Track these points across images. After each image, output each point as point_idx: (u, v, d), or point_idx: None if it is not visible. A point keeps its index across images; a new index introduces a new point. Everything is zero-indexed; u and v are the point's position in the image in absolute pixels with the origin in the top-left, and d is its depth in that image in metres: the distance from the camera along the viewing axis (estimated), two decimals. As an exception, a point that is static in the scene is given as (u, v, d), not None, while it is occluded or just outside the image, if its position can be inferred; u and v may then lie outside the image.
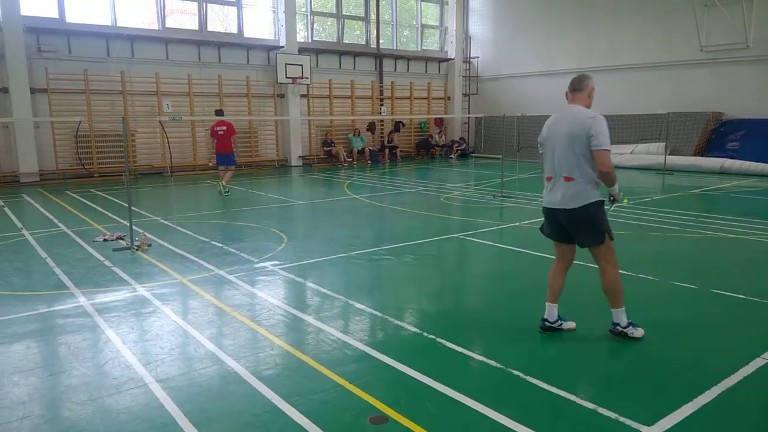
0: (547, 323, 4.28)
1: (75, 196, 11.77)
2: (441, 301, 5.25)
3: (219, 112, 12.24)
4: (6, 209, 10.14)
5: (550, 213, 4.21)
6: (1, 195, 11.96)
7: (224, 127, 11.66)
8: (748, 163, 14.40)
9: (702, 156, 15.74)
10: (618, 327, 4.12)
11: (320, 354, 3.95)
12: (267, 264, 6.28)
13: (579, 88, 4.13)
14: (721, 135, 15.83)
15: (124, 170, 7.45)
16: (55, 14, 14.26)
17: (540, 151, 4.29)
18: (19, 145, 13.76)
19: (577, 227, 4.03)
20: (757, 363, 3.70)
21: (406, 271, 6.17)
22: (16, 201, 11.21)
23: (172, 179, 15.00)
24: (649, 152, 16.49)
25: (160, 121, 13.87)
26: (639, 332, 4.10)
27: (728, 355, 3.85)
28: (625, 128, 17.31)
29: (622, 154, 16.85)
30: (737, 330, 4.38)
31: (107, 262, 6.41)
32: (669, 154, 15.43)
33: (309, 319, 4.63)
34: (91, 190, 12.65)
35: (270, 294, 5.28)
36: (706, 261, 6.53)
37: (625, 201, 10.42)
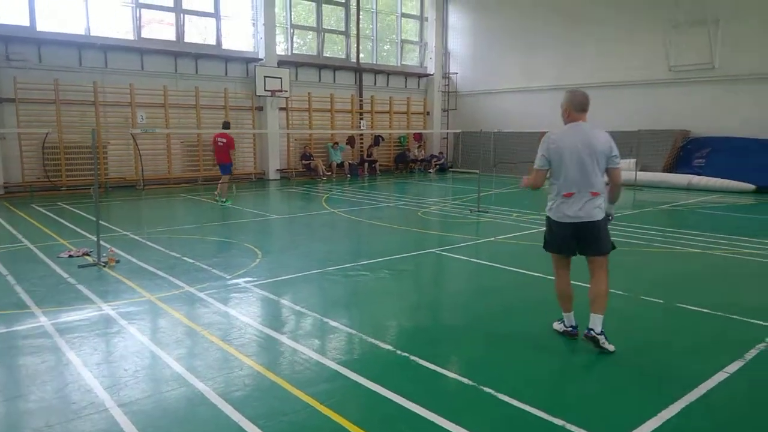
0: (574, 329, 4.42)
1: (41, 209, 11.40)
2: (415, 317, 5.16)
3: (226, 125, 12.86)
4: (-32, 222, 9.77)
5: (569, 227, 4.21)
6: (-36, 207, 11.53)
7: (224, 140, 12.20)
8: (714, 179, 14.86)
9: (671, 172, 16.19)
10: (592, 332, 4.19)
11: (291, 374, 3.82)
12: (240, 281, 6.11)
13: (587, 108, 4.24)
14: (688, 152, 16.35)
15: (93, 183, 7.20)
16: (26, 22, 13.92)
17: (545, 167, 4.24)
18: (-17, 157, 13.33)
19: (597, 237, 4.20)
20: (719, 377, 3.77)
21: (382, 287, 6.08)
22: (-20, 214, 10.82)
23: (144, 192, 14.69)
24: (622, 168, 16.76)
25: (131, 134, 13.60)
26: (610, 346, 4.17)
27: (692, 370, 3.90)
28: (599, 145, 17.62)
29: (597, 170, 17.15)
30: (701, 344, 4.47)
31: (71, 280, 6.16)
32: (640, 170, 15.79)
33: (281, 337, 4.49)
34: (59, 203, 12.27)
35: (242, 312, 5.12)
36: (672, 275, 6.62)
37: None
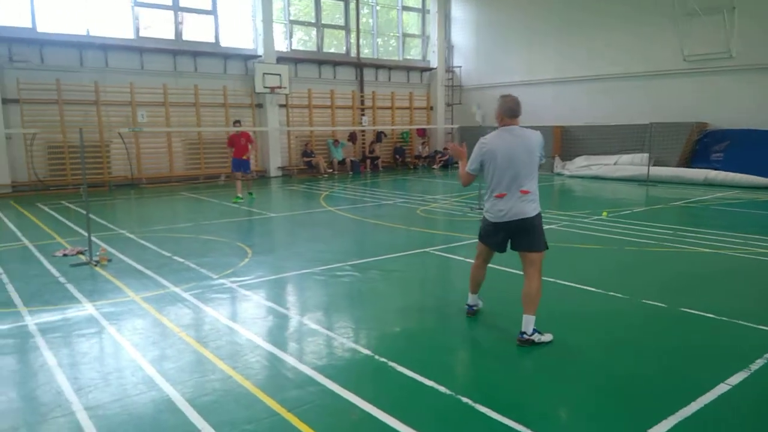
0: (473, 308, 4.90)
1: (45, 208, 11.51)
2: (398, 321, 5.07)
3: (237, 123, 12.96)
4: (-32, 222, 9.89)
5: (502, 227, 4.38)
6: (-33, 207, 11.68)
7: (244, 138, 12.51)
8: (732, 174, 14.25)
9: (686, 167, 15.64)
10: (525, 335, 4.22)
11: (262, 379, 3.80)
12: (225, 281, 6.11)
13: (519, 113, 4.42)
14: (704, 146, 15.74)
15: (82, 183, 7.24)
16: (27, 24, 14.03)
17: (476, 171, 4.48)
18: (-11, 157, 13.48)
19: (533, 233, 4.33)
20: (719, 389, 3.54)
21: (369, 289, 6.03)
22: (-18, 213, 10.95)
23: (145, 190, 14.77)
24: (633, 163, 16.38)
25: (119, 133, 13.68)
26: (547, 337, 4.24)
27: (690, 381, 3.69)
28: (608, 139, 17.27)
29: (606, 165, 16.85)
30: (702, 353, 4.21)
31: (62, 279, 6.20)
32: (653, 165, 15.35)
33: (257, 340, 4.48)
34: (63, 202, 12.39)
35: (222, 313, 5.12)
36: (678, 277, 6.36)
37: (604, 214, 10.38)
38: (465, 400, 3.45)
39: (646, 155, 15.82)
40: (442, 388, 3.60)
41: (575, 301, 5.39)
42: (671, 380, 3.73)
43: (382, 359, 4.08)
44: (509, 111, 4.35)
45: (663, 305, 5.18)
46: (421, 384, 3.69)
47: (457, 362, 4.28)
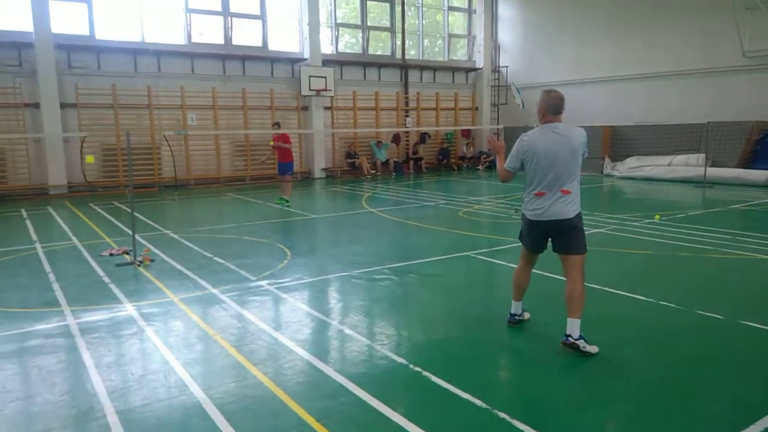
0: (516, 317, 4.65)
1: (97, 209, 11.94)
2: (436, 328, 4.88)
3: (277, 125, 12.56)
4: (27, 221, 10.35)
5: (541, 225, 4.21)
6: (28, 207, 12.26)
7: (280, 141, 12.08)
8: (795, 176, 13.43)
9: (746, 168, 14.80)
10: (570, 338, 4.02)
11: (294, 386, 3.70)
12: (263, 282, 6.09)
13: (562, 110, 4.21)
14: (765, 146, 14.91)
15: (128, 183, 7.41)
16: (86, 32, 14.65)
17: (515, 168, 4.30)
18: (48, 159, 14.13)
19: (573, 235, 4.14)
20: None
21: (407, 294, 5.87)
22: (40, 213, 11.44)
23: (193, 191, 15.12)
24: (688, 164, 15.68)
25: (164, 136, 14.02)
26: (593, 348, 3.99)
27: (748, 403, 3.38)
28: (662, 139, 16.64)
29: (660, 166, 16.19)
30: (762, 372, 3.85)
31: (106, 278, 6.34)
32: (710, 166, 14.57)
33: (292, 345, 4.39)
34: (114, 202, 12.82)
35: (258, 316, 5.07)
36: (737, 287, 5.96)
37: (657, 218, 9.86)
38: (502, 415, 3.25)
39: (702, 156, 15.06)
40: (478, 402, 3.41)
41: (625, 311, 5.07)
42: (731, 401, 3.41)
43: (417, 368, 3.91)
44: (553, 107, 4.13)
45: (720, 317, 4.81)
46: (457, 396, 3.50)
47: (495, 375, 4.06)
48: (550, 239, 4.26)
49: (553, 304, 4.80)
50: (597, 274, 6.13)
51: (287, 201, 12.07)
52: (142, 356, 4.24)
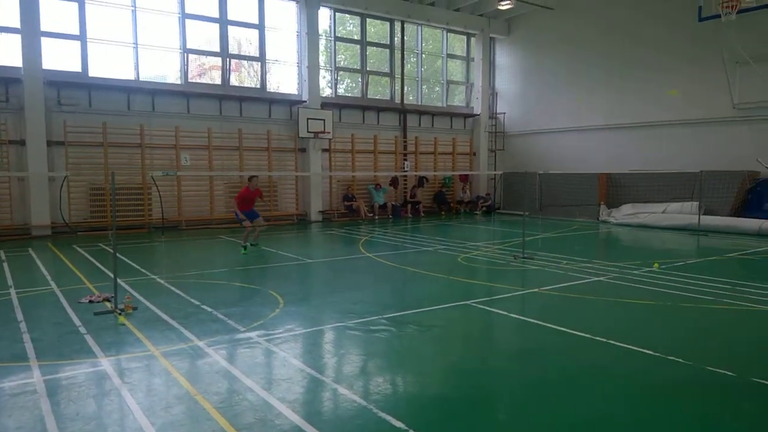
0: None
1: (81, 251, 11.44)
2: (436, 386, 4.46)
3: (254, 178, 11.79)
4: (4, 264, 9.85)
5: None
6: (8, 249, 11.74)
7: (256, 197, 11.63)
8: (788, 225, 13.39)
9: (738, 216, 14.85)
10: None
11: (281, 460, 3.24)
12: (253, 334, 5.64)
13: None
14: (758, 195, 15.06)
15: (112, 226, 7.02)
16: (78, 68, 14.50)
17: None
18: (32, 198, 13.68)
19: None
20: None
21: (406, 347, 5.44)
22: (20, 255, 10.94)
23: (185, 234, 14.69)
24: (683, 212, 15.71)
25: (152, 176, 13.70)
26: None
27: None
28: (656, 186, 16.78)
29: (654, 213, 16.23)
30: None
31: (82, 329, 5.86)
32: (703, 214, 14.59)
33: (280, 406, 3.93)
34: (100, 244, 12.35)
35: (245, 372, 4.61)
36: (744, 340, 5.64)
37: (656, 266, 9.59)
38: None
39: (695, 204, 15.11)
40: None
41: (634, 368, 4.68)
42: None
43: (418, 435, 3.48)
44: None
45: (731, 374, 4.49)
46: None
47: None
48: None
49: (574, 363, 4.38)
50: (601, 324, 5.86)
51: (245, 248, 11.39)
52: (113, 421, 3.76)
